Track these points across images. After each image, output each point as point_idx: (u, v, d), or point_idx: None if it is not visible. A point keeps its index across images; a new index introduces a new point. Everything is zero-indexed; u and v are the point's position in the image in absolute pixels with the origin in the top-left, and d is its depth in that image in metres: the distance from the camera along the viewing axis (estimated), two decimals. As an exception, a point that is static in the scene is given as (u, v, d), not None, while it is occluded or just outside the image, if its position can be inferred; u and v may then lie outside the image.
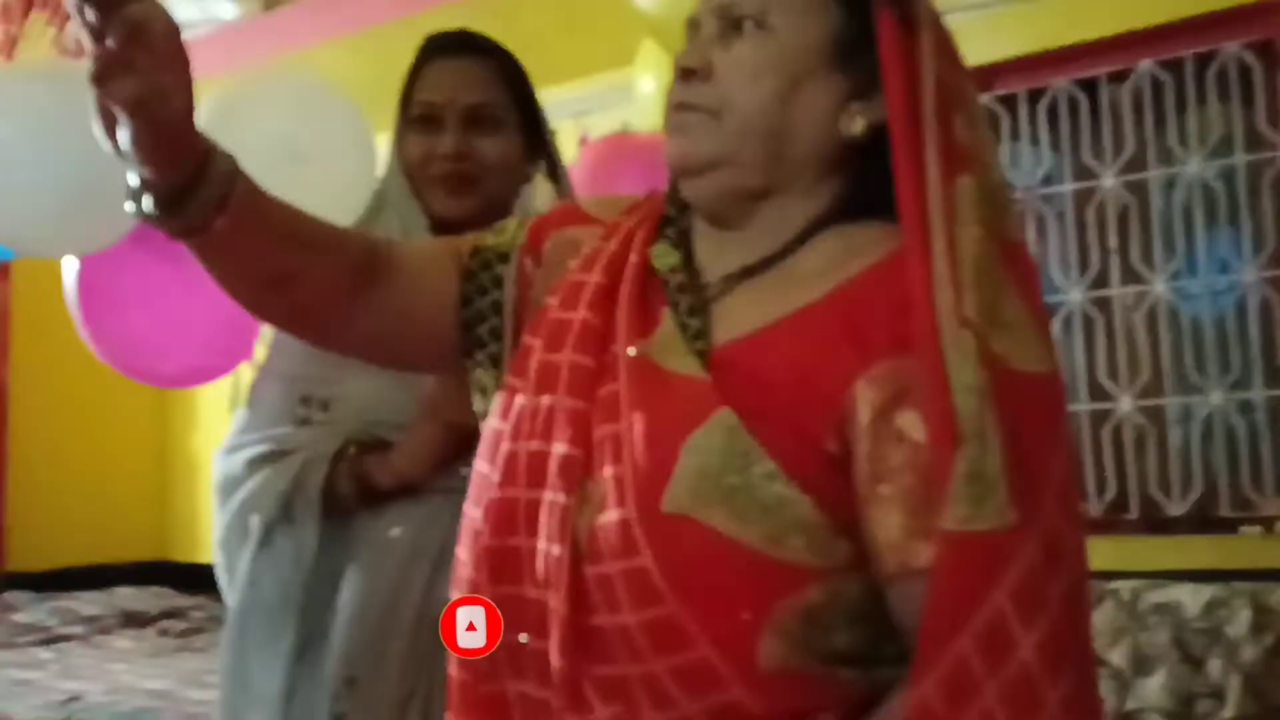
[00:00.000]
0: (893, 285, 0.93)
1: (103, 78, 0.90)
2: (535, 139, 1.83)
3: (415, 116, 1.76)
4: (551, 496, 0.96)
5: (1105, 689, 2.65)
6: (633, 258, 1.05)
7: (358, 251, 1.13)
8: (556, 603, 0.93)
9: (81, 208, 1.76)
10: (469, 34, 1.83)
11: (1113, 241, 3.26)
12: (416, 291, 1.15)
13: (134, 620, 4.25)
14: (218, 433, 2.08)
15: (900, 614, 0.89)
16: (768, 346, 0.95)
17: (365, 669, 1.60)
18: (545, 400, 1.00)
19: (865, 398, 0.90)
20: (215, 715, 1.82)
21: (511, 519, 0.98)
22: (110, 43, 0.89)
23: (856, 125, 1.00)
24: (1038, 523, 0.86)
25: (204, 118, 1.99)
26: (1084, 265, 3.30)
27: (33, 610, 4.34)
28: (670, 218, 1.08)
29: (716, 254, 1.04)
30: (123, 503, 5.06)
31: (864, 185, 1.01)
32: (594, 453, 0.95)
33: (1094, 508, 3.18)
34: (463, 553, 1.04)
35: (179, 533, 5.15)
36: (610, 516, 0.91)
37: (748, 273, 1.02)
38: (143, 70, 0.90)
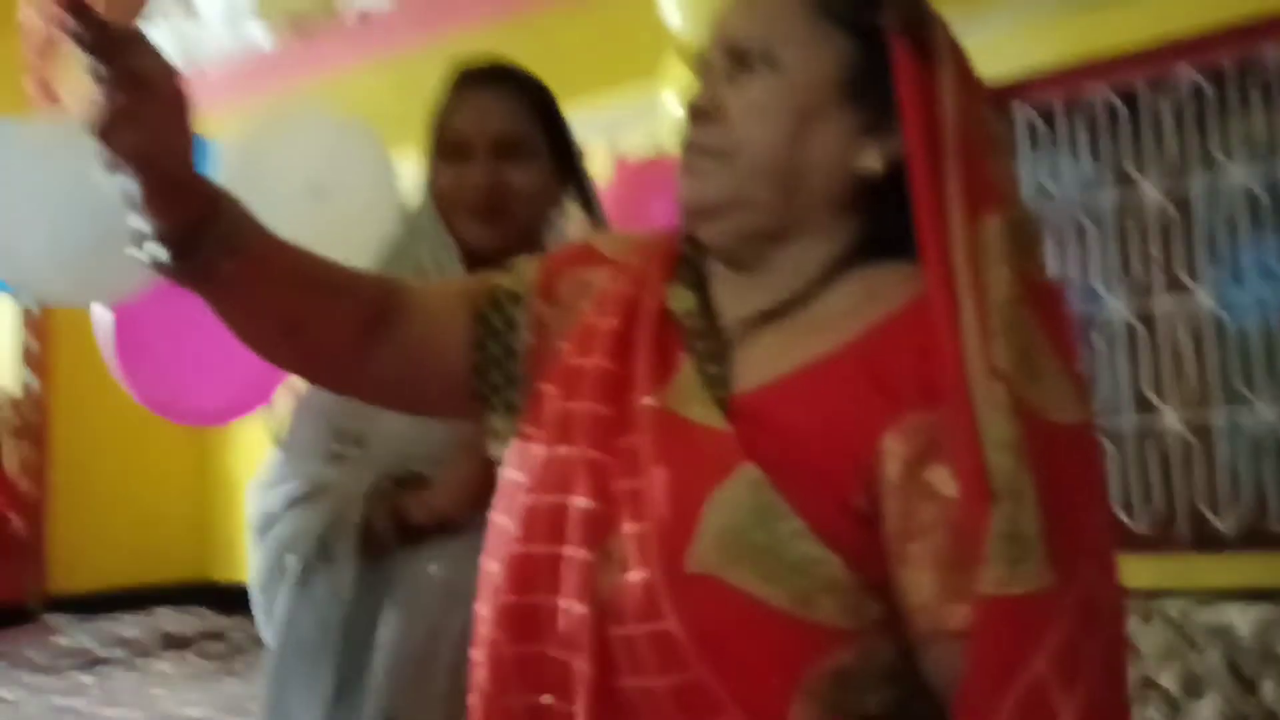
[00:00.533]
0: (918, 332, 0.89)
1: (105, 130, 0.90)
2: (566, 167, 1.82)
3: (445, 147, 1.75)
4: (572, 553, 0.93)
5: (1156, 712, 2.60)
6: (648, 301, 1.02)
7: (370, 296, 1.11)
8: (581, 665, 0.90)
9: (107, 258, 1.76)
10: (499, 64, 1.82)
11: (1155, 251, 3.20)
12: (430, 336, 1.13)
13: (174, 643, 4.27)
14: (256, 452, 2.08)
15: (935, 675, 0.86)
16: (790, 396, 0.93)
17: (405, 709, 1.59)
18: (563, 451, 0.97)
19: (893, 452, 0.87)
20: (255, 755, 1.82)
21: (532, 575, 0.96)
22: (112, 92, 0.89)
23: (873, 162, 0.96)
24: (1075, 582, 0.83)
25: (228, 152, 2.01)
26: (1126, 276, 3.25)
27: (74, 633, 4.37)
28: (686, 257, 1.06)
29: (734, 297, 1.02)
30: (162, 524, 5.09)
31: (884, 223, 0.97)
32: (615, 507, 0.92)
33: (1140, 524, 3.12)
34: (483, 608, 1.01)
35: (219, 553, 5.18)
36: (634, 576, 0.89)
37: (767, 317, 0.99)
38: (145, 121, 0.90)
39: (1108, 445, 3.15)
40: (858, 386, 0.90)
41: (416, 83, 3.73)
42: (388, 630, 1.64)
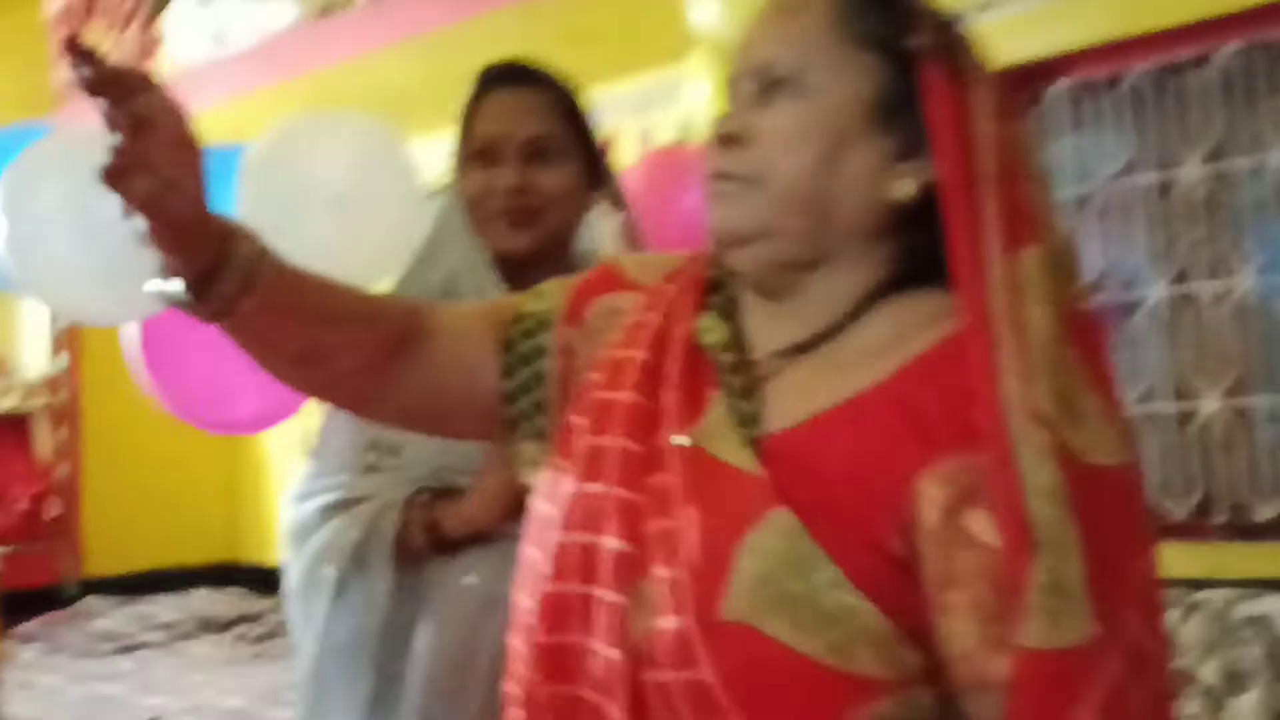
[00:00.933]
0: (954, 371, 0.87)
1: (113, 175, 0.90)
2: (595, 168, 1.80)
3: (473, 150, 1.73)
4: (605, 595, 0.92)
5: (1196, 707, 2.57)
6: (678, 331, 1.00)
7: (392, 324, 1.10)
8: (615, 711, 0.90)
9: (133, 276, 1.75)
10: (525, 65, 1.80)
11: (1196, 233, 3.14)
12: (454, 364, 1.12)
13: (210, 626, 4.31)
14: (283, 430, 2.07)
15: None
16: (824, 436, 0.91)
17: (442, 717, 1.60)
18: (593, 488, 0.96)
19: (930, 497, 0.85)
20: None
21: (564, 615, 0.95)
22: (119, 136, 0.89)
23: (905, 189, 0.94)
24: (1120, 632, 0.82)
25: (255, 159, 2.00)
26: (1166, 259, 3.18)
27: (112, 617, 4.42)
28: (716, 281, 1.04)
29: (765, 326, 0.99)
30: (195, 505, 5.13)
31: (918, 250, 0.95)
32: (646, 549, 0.91)
33: (1178, 512, 3.08)
34: (517, 643, 1.00)
35: (250, 534, 5.22)
36: (667, 624, 0.88)
37: (799, 349, 0.97)
38: (154, 166, 0.90)
39: (1145, 431, 3.11)
40: (892, 427, 0.88)
41: (442, 63, 3.72)
42: (423, 640, 1.64)
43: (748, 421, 0.94)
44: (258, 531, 5.12)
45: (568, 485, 0.99)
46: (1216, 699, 2.59)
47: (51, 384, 4.86)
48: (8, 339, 4.80)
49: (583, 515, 0.96)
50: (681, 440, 0.93)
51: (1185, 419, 3.14)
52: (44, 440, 4.82)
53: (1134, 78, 3.21)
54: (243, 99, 3.99)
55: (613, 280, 1.12)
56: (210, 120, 4.30)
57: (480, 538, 1.61)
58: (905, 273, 0.96)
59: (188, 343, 1.95)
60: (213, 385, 1.99)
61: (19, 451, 4.76)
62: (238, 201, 2.02)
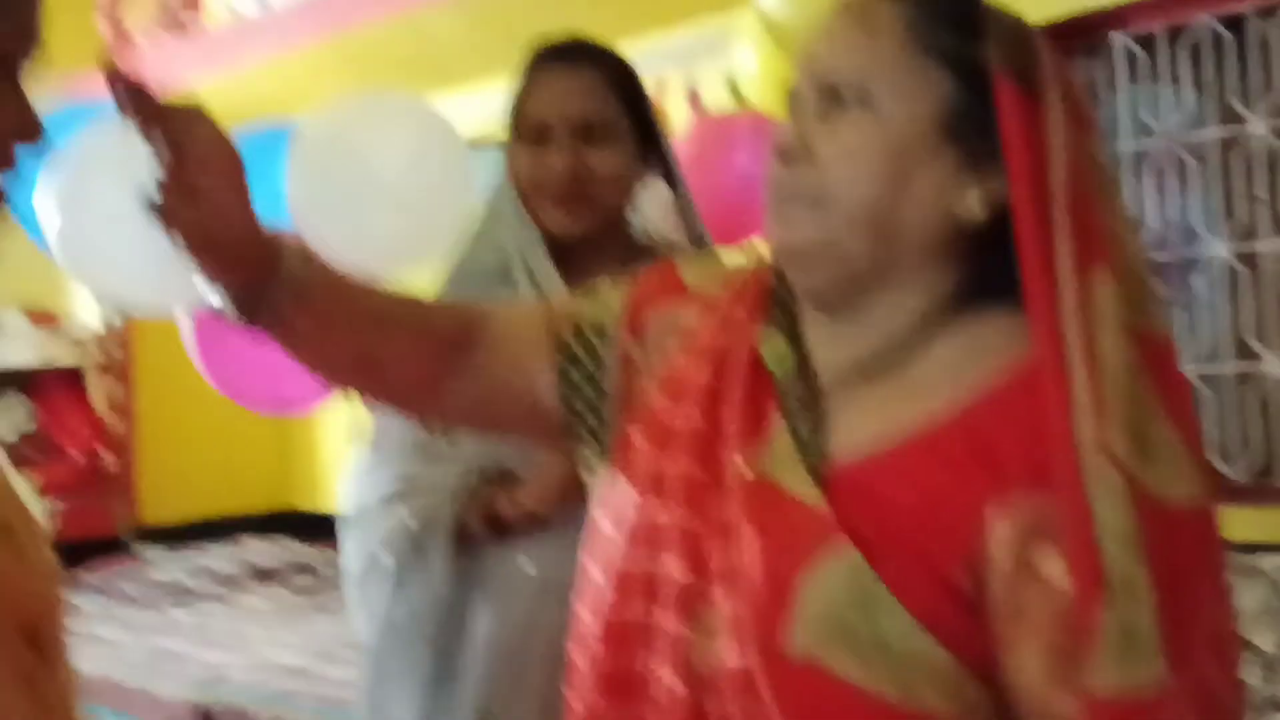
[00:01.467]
0: (1026, 405, 0.85)
1: (158, 211, 0.92)
2: (649, 143, 1.77)
3: (524, 130, 1.71)
4: (667, 623, 0.93)
5: (1252, 676, 2.56)
6: (739, 349, 0.99)
7: (445, 331, 1.11)
8: None
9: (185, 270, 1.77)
10: (578, 42, 1.76)
11: (1260, 190, 3.06)
12: (510, 372, 1.11)
13: (265, 576, 4.39)
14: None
15: None
16: (889, 470, 0.89)
17: (500, 703, 1.62)
18: (655, 512, 0.96)
19: (1000, 534, 0.84)
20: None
21: (627, 641, 0.95)
22: (161, 166, 0.91)
23: (974, 207, 0.92)
24: (1192, 677, 0.81)
25: (307, 141, 1.98)
26: (1230, 217, 3.11)
27: (168, 568, 4.50)
28: (777, 294, 1.02)
29: (828, 343, 0.98)
30: (246, 453, 5.19)
31: (987, 267, 0.93)
32: (708, 579, 0.91)
33: (1238, 474, 3.04)
34: (578, 658, 1.01)
35: (301, 482, 5.29)
36: (730, 657, 0.88)
37: (862, 370, 0.95)
38: (199, 196, 0.91)
39: (1205, 391, 3.07)
40: (962, 462, 0.86)
41: (490, 18, 3.65)
42: (482, 625, 1.66)
43: (810, 449, 0.92)
44: (310, 479, 5.19)
45: (629, 506, 0.99)
46: (1274, 667, 2.57)
47: (105, 338, 4.92)
48: (62, 295, 4.85)
49: (645, 540, 0.96)
50: (744, 470, 0.93)
51: (1246, 380, 3.10)
52: (99, 394, 4.90)
53: (1196, 29, 3.12)
54: (290, 57, 3.97)
55: (672, 288, 1.10)
56: (257, 79, 4.27)
57: (538, 525, 1.63)
58: (972, 289, 0.94)
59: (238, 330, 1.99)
60: (263, 369, 2.01)
61: (75, 405, 4.84)
62: (288, 185, 2.02)
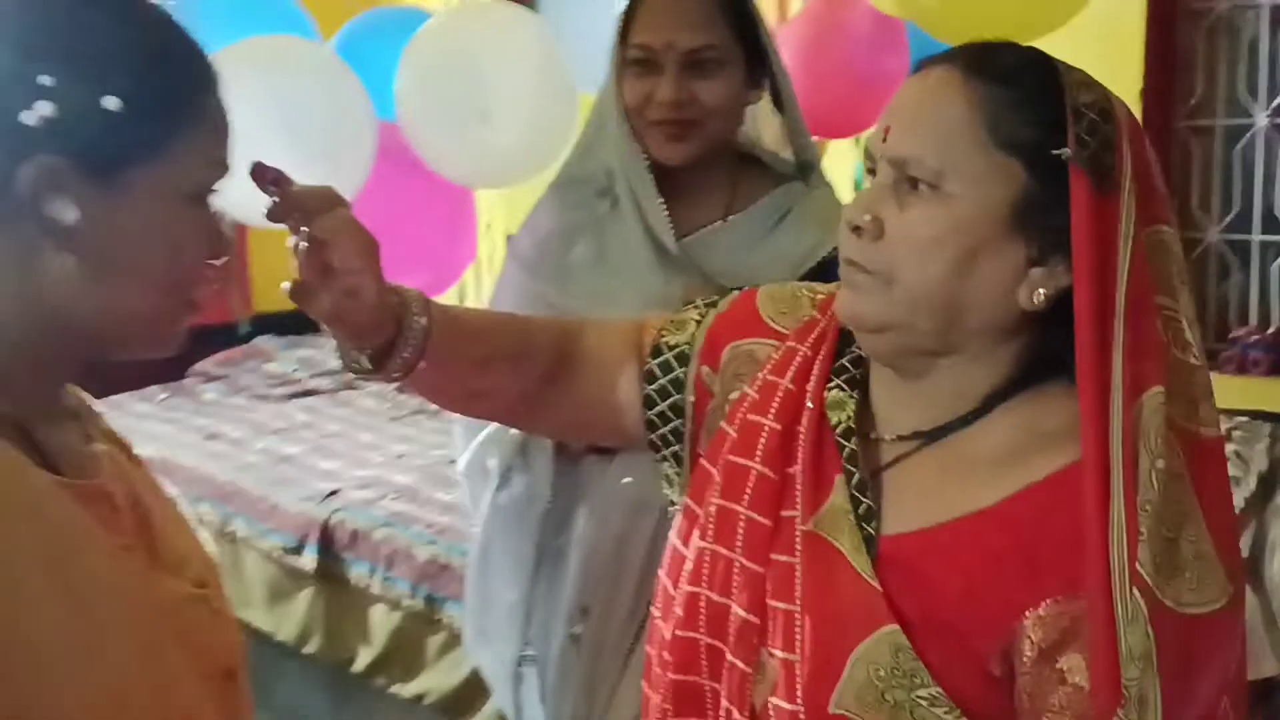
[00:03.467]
0: (1068, 508, 0.92)
1: (299, 295, 1.02)
2: (759, 66, 1.76)
3: (632, 58, 1.71)
4: (731, 658, 1.03)
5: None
6: (809, 405, 1.05)
7: (545, 355, 1.21)
8: None
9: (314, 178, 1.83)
10: None
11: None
12: (600, 393, 1.22)
13: (374, 373, 4.57)
14: None
15: None
16: (939, 550, 0.97)
17: (598, 601, 1.75)
18: (724, 552, 1.05)
19: (1032, 635, 0.92)
20: (464, 628, 2.06)
21: (694, 659, 1.06)
22: (303, 258, 1.01)
23: (1037, 298, 0.95)
24: None
25: (421, 50, 1.99)
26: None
27: (283, 360, 4.72)
28: (848, 342, 1.07)
29: (892, 403, 1.04)
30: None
31: (1051, 343, 0.97)
32: (767, 621, 1.01)
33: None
34: (654, 656, 1.12)
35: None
36: (784, 704, 0.99)
37: (922, 435, 1.01)
38: (334, 278, 1.01)
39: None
40: (1004, 559, 0.94)
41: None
42: (582, 529, 1.77)
43: (866, 516, 1.00)
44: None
45: (699, 540, 1.09)
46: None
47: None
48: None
49: (710, 573, 1.06)
50: (805, 526, 1.01)
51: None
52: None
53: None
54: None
55: (750, 322, 1.17)
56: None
57: (636, 443, 1.73)
58: (1036, 365, 0.99)
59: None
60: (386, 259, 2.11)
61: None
62: (398, 97, 2.04)
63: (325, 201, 1.03)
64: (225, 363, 4.68)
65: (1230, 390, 3.01)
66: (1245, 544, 2.55)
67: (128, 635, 0.85)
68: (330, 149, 1.85)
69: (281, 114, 1.80)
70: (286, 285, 1.03)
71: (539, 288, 1.79)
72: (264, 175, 1.00)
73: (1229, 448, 2.66)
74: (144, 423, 4.05)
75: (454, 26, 2.02)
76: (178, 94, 0.86)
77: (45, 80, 0.81)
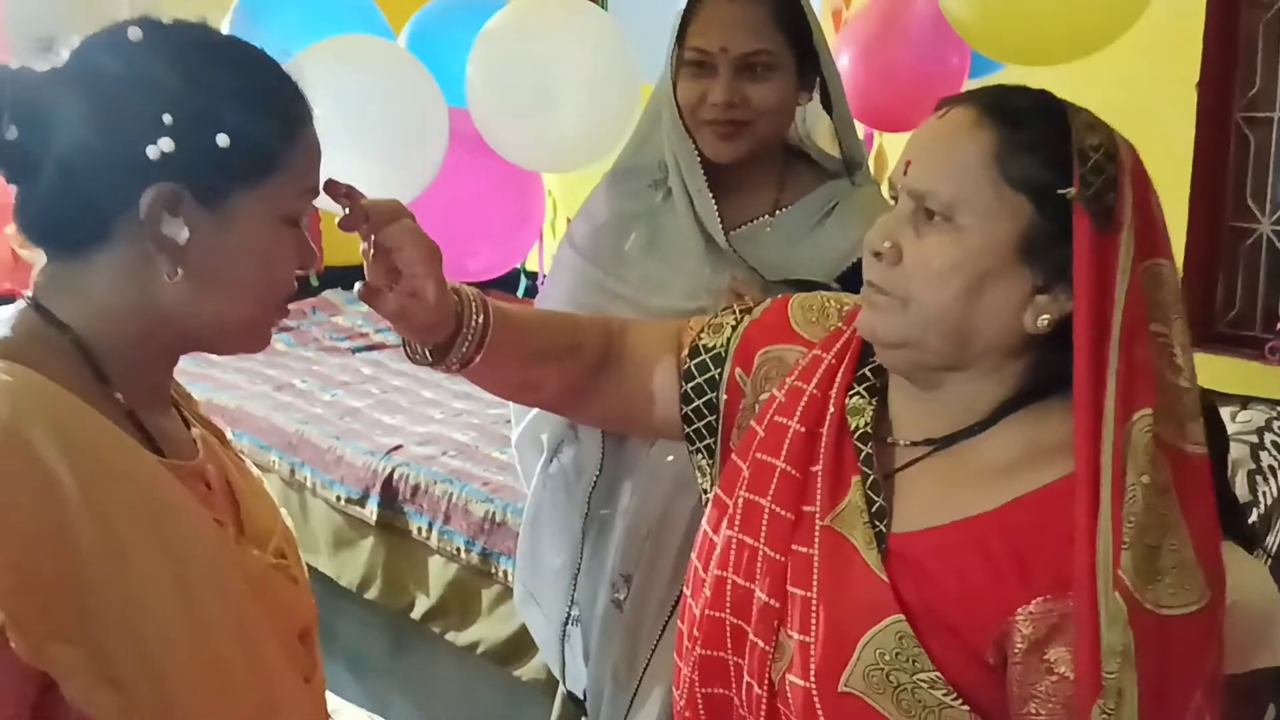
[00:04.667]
0: (1060, 515, 1.00)
1: (368, 296, 1.14)
2: (810, 68, 1.82)
3: (688, 60, 1.78)
4: (753, 637, 1.13)
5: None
6: (832, 409, 1.15)
7: (592, 350, 1.31)
8: None
9: (390, 172, 1.93)
10: None
11: None
12: (640, 389, 1.32)
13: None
14: None
15: None
16: (942, 549, 1.06)
17: (640, 570, 1.84)
18: (749, 541, 1.15)
19: (1023, 629, 1.02)
20: (515, 587, 2.17)
21: (720, 637, 1.17)
22: (373, 265, 1.12)
23: (1041, 323, 1.03)
24: None
25: (492, 41, 2.08)
26: None
27: (349, 314, 4.86)
28: (870, 353, 1.16)
29: (908, 410, 1.13)
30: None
31: (1054, 362, 1.05)
32: (786, 605, 1.11)
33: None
34: (684, 636, 1.22)
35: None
36: (797, 680, 1.09)
37: (934, 443, 1.10)
38: (402, 286, 1.12)
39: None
40: (1000, 560, 1.03)
41: None
42: (626, 502, 1.86)
43: (879, 514, 1.09)
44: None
45: (726, 524, 1.19)
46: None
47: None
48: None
49: (737, 560, 1.16)
50: (824, 522, 1.11)
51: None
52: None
53: None
54: None
55: (781, 329, 1.28)
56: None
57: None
58: (1041, 381, 1.08)
59: (421, 207, 2.23)
60: (447, 242, 2.22)
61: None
62: (469, 85, 2.13)
63: (391, 213, 1.15)
64: (295, 315, 4.81)
65: (1277, 380, 3.05)
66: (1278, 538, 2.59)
67: (224, 604, 0.96)
68: (405, 144, 1.96)
69: (359, 111, 1.91)
70: (359, 286, 1.14)
71: (593, 273, 1.87)
72: (336, 190, 1.11)
73: (1269, 438, 2.71)
74: (214, 370, 4.19)
75: (523, 18, 2.10)
76: (278, 132, 0.98)
77: (167, 119, 0.93)
